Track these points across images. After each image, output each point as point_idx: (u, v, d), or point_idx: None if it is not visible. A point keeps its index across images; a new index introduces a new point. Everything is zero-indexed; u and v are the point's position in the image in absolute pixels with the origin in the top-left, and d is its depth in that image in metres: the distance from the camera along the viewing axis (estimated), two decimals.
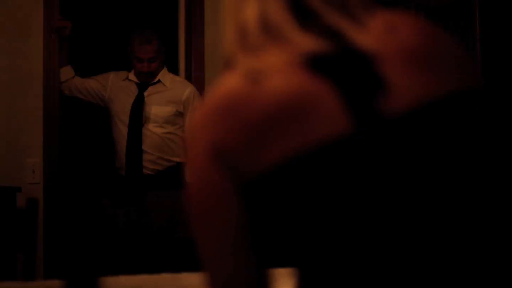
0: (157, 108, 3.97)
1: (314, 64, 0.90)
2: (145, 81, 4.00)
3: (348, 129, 0.87)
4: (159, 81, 4.02)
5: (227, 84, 0.96)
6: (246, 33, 0.98)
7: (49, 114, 4.26)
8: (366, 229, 0.87)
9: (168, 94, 3.99)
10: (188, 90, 4.02)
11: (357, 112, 0.87)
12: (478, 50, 3.43)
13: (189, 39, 4.44)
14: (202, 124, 0.94)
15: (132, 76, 4.04)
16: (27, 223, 2.06)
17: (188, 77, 4.32)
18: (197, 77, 4.33)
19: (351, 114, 0.87)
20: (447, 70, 0.92)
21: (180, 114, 3.97)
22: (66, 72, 4.14)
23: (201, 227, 0.94)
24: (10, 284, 1.62)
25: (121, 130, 3.97)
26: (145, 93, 3.99)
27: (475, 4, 3.42)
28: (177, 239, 3.58)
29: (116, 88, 4.07)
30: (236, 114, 0.91)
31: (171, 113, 3.95)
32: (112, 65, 4.28)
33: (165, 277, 1.69)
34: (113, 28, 4.66)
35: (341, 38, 0.92)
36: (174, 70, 4.28)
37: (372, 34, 0.92)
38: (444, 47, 0.94)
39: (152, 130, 3.95)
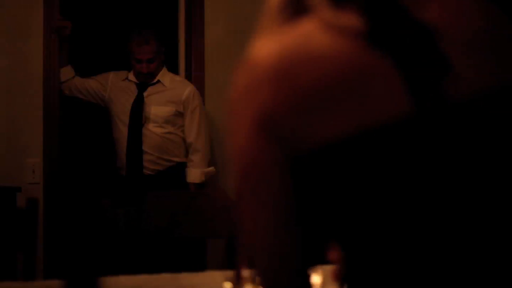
0: (157, 108, 3.97)
1: (372, 37, 0.83)
2: (145, 81, 3.99)
3: (409, 110, 0.81)
4: (158, 81, 4.01)
5: (278, 42, 0.87)
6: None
7: (49, 114, 4.26)
8: (421, 216, 0.82)
9: (167, 94, 3.99)
10: (187, 90, 4.01)
11: (419, 93, 0.82)
12: None
13: (189, 39, 4.44)
14: (248, 88, 0.87)
15: (131, 76, 4.03)
16: (27, 223, 2.06)
17: (188, 77, 4.32)
18: (197, 77, 4.33)
19: (413, 95, 0.81)
20: (509, 59, 0.87)
21: (180, 114, 3.97)
22: (66, 72, 4.14)
23: (246, 199, 0.87)
24: (10, 284, 1.62)
25: (121, 130, 3.97)
26: (145, 93, 3.98)
27: None
28: (177, 239, 3.58)
29: (116, 88, 4.06)
30: (290, 78, 0.83)
31: (170, 113, 3.95)
32: (112, 65, 4.28)
33: (165, 277, 1.69)
34: (113, 28, 4.66)
35: (401, 11, 0.84)
36: (174, 70, 4.28)
37: (436, 9, 0.85)
38: (508, 35, 0.88)
39: (152, 130, 3.94)
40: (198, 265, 1.89)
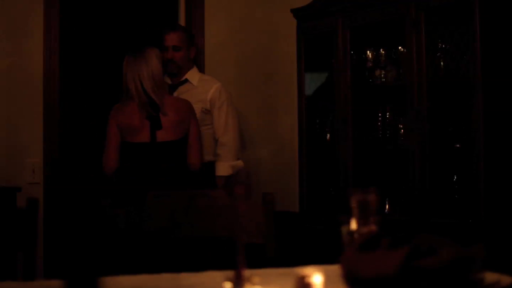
0: None
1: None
2: (173, 77, 4.09)
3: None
4: (186, 80, 4.11)
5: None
6: None
7: (49, 114, 4.26)
8: None
9: (195, 92, 4.08)
10: (214, 87, 4.10)
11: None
12: (478, 50, 3.43)
13: None
14: None
15: (166, 77, 4.12)
16: (27, 223, 2.06)
17: None
18: None
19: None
20: None
21: (208, 112, 4.05)
22: None
23: None
24: (10, 284, 1.62)
25: None
26: (175, 93, 4.08)
27: (475, 4, 3.42)
28: (177, 239, 3.58)
29: None
30: None
31: (197, 111, 4.01)
32: (112, 64, 4.28)
33: (165, 277, 1.69)
34: (113, 28, 4.65)
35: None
36: None
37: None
38: None
39: None
40: (198, 265, 1.90)
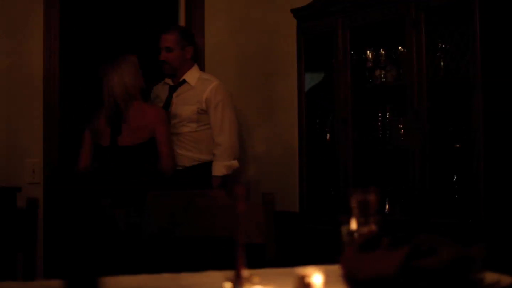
0: (181, 107, 4.09)
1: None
2: (172, 77, 4.14)
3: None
4: (184, 81, 4.13)
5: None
6: None
7: (49, 114, 4.26)
8: None
9: (192, 93, 4.11)
10: (210, 87, 4.12)
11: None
12: (478, 50, 3.43)
13: None
14: None
15: (167, 79, 4.19)
16: (27, 223, 2.06)
17: None
18: None
19: None
20: None
21: (204, 112, 4.06)
22: None
23: None
24: (10, 284, 1.62)
25: None
26: (174, 94, 4.12)
27: (475, 4, 3.42)
28: (177, 239, 3.58)
29: (154, 95, 4.26)
30: None
31: (193, 111, 4.06)
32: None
33: (165, 277, 1.69)
34: (113, 28, 4.65)
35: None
36: None
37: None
38: None
39: (178, 129, 4.07)
40: (198, 265, 1.90)
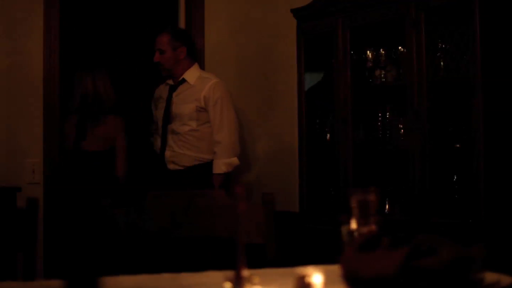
0: (180, 106, 4.11)
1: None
2: (170, 78, 4.18)
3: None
4: (184, 80, 4.14)
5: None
6: None
7: (49, 114, 4.26)
8: None
9: (191, 91, 4.13)
10: (208, 84, 4.13)
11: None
12: (478, 50, 3.42)
13: None
14: None
15: (169, 79, 4.22)
16: (27, 223, 2.06)
17: None
18: None
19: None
20: None
21: (203, 110, 4.06)
22: None
23: None
24: (10, 284, 1.62)
25: (158, 131, 4.22)
26: (174, 94, 4.14)
27: (475, 4, 3.42)
28: (177, 239, 3.58)
29: (156, 96, 4.29)
30: None
31: (192, 110, 4.07)
32: (112, 64, 4.28)
33: (165, 277, 1.69)
34: (112, 28, 4.65)
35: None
36: None
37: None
38: None
39: (177, 128, 4.10)
40: (198, 265, 1.90)
